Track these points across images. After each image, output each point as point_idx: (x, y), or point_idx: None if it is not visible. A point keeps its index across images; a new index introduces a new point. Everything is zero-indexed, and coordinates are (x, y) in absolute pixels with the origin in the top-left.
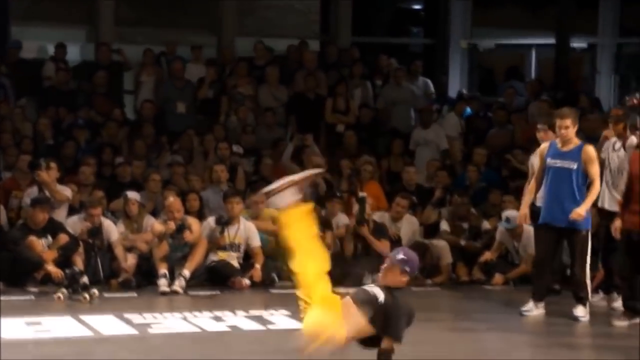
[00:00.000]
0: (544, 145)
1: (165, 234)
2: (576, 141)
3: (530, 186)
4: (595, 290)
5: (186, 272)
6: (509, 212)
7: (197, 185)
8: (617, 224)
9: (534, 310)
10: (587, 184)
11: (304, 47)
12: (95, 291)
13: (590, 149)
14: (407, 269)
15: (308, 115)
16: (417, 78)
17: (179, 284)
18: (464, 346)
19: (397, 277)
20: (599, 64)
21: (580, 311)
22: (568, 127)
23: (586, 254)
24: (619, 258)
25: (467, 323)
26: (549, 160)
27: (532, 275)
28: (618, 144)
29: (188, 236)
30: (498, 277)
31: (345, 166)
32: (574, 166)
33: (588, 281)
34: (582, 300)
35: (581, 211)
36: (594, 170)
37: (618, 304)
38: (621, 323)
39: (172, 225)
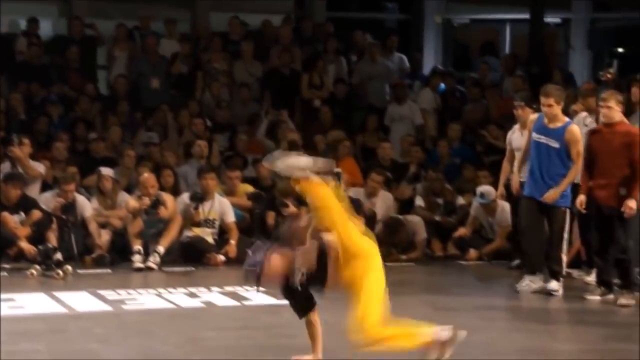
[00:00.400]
0: (532, 117)
1: (139, 210)
2: (562, 119)
3: (517, 159)
4: (571, 265)
5: (160, 248)
6: (483, 188)
7: (172, 160)
8: (582, 198)
9: (531, 285)
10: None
11: (287, 22)
12: (68, 267)
13: (574, 130)
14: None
15: (283, 90)
16: (393, 54)
17: (153, 260)
18: (439, 322)
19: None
20: (573, 39)
21: (554, 285)
22: (551, 105)
23: (563, 231)
24: (592, 233)
25: (442, 298)
26: (534, 135)
27: (522, 248)
28: (589, 119)
29: (163, 212)
30: (472, 253)
31: (320, 142)
32: (557, 145)
33: (563, 257)
34: (556, 275)
35: (555, 194)
36: (576, 151)
37: (591, 278)
38: (594, 297)
39: (146, 201)
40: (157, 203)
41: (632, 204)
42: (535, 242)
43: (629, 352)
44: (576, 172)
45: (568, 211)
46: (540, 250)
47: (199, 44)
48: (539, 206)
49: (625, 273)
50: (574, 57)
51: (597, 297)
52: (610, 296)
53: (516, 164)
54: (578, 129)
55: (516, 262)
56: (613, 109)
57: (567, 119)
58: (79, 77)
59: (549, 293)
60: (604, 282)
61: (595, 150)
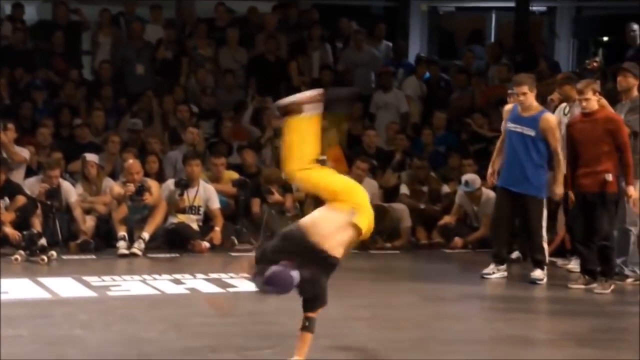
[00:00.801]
0: (507, 108)
1: (124, 196)
2: (536, 107)
3: (497, 147)
4: (555, 254)
5: (145, 235)
6: (468, 176)
7: (156, 147)
8: (571, 196)
9: (496, 272)
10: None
11: (277, 9)
12: (53, 253)
13: (549, 117)
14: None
15: (268, 77)
16: (381, 42)
17: (138, 247)
18: (423, 309)
19: None
20: (558, 28)
21: (539, 274)
22: (525, 93)
23: (541, 219)
24: (576, 222)
25: (426, 286)
26: (509, 124)
27: (491, 238)
28: (567, 108)
29: (148, 198)
30: (457, 241)
31: None
32: (532, 133)
33: (545, 245)
34: (539, 263)
35: (560, 189)
36: (554, 139)
37: (572, 266)
38: (578, 286)
39: (131, 188)
40: (142, 189)
41: (630, 190)
42: (504, 237)
43: (611, 340)
44: (561, 161)
45: (545, 201)
46: (507, 241)
47: (184, 30)
48: (513, 197)
49: (606, 260)
50: (560, 45)
51: (581, 286)
52: (594, 285)
53: (494, 154)
54: (553, 116)
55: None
56: (591, 100)
57: (541, 107)
58: (64, 63)
59: (533, 282)
60: (587, 271)
61: (578, 141)
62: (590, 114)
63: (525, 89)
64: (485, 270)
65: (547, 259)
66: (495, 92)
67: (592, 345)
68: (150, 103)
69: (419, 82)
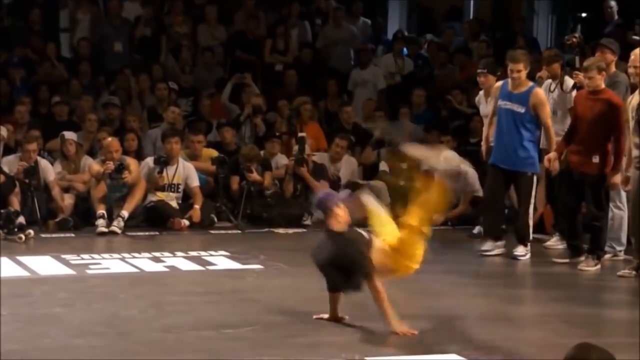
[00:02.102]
0: (497, 85)
1: (103, 174)
2: (527, 84)
3: (487, 123)
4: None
5: (124, 213)
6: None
7: (135, 125)
8: (555, 161)
9: (494, 249)
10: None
11: None
12: (30, 231)
13: (539, 92)
14: (322, 210)
15: (247, 55)
16: (358, 19)
17: (117, 225)
18: (403, 286)
19: (333, 222)
20: (537, 4)
21: (521, 250)
22: (520, 70)
23: (530, 196)
24: (560, 199)
25: None
26: (499, 102)
27: (483, 215)
28: (553, 85)
29: (127, 176)
30: (436, 217)
31: (284, 106)
32: (522, 110)
33: (531, 222)
34: (523, 240)
35: (555, 161)
36: (544, 114)
37: (551, 242)
38: (562, 261)
39: (110, 166)
40: (121, 167)
41: (615, 179)
42: (496, 213)
43: (593, 316)
44: (553, 133)
45: (535, 177)
46: (500, 218)
47: (162, 8)
48: (504, 174)
49: (595, 239)
50: (538, 22)
51: (565, 261)
52: (581, 259)
53: (484, 131)
54: (542, 91)
55: (477, 229)
56: (595, 78)
57: (531, 83)
58: (41, 40)
59: (515, 258)
60: (571, 246)
61: (578, 116)
62: (595, 92)
63: (520, 66)
64: (484, 248)
65: (531, 235)
66: (475, 68)
67: (572, 320)
68: (127, 81)
69: (396, 59)
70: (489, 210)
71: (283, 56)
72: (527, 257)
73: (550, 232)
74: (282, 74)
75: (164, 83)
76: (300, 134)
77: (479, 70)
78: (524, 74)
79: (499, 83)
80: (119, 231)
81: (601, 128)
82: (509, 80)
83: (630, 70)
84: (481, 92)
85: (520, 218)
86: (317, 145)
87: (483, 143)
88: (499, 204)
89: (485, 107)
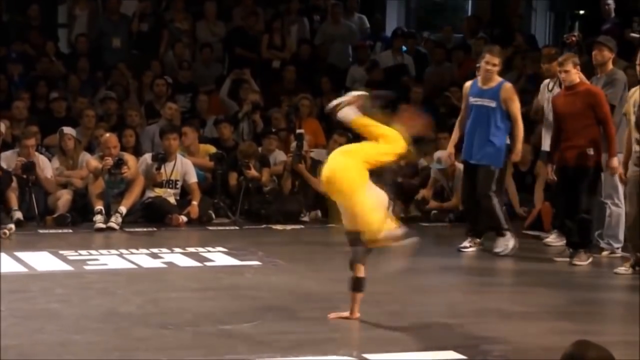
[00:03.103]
0: (467, 84)
1: (101, 170)
2: (497, 79)
3: (456, 125)
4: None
5: (122, 209)
6: (440, 153)
7: (135, 120)
8: (549, 168)
9: (472, 246)
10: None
11: None
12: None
13: (509, 87)
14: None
15: (246, 51)
16: (354, 14)
17: (115, 221)
18: (399, 283)
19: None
20: (535, 2)
21: (500, 244)
22: (496, 65)
23: (487, 187)
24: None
25: None
26: (471, 99)
27: (464, 212)
28: (552, 84)
29: (126, 172)
30: (432, 203)
31: (283, 103)
32: (493, 104)
33: (499, 213)
34: (497, 230)
35: (518, 153)
36: (514, 108)
37: (550, 239)
38: (563, 259)
39: (109, 161)
40: (119, 163)
41: (614, 162)
42: (473, 206)
43: (587, 313)
44: (521, 129)
45: (498, 171)
46: (478, 215)
47: (160, 3)
48: (472, 168)
49: (585, 233)
50: (536, 19)
51: (566, 259)
52: (574, 258)
53: (454, 130)
54: (512, 85)
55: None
56: (571, 72)
57: (500, 79)
58: (40, 36)
59: (497, 254)
60: (572, 244)
61: (560, 115)
62: (571, 87)
63: (497, 61)
64: (462, 245)
65: (505, 225)
66: (473, 65)
67: (568, 317)
68: (123, 76)
69: (394, 56)
70: (467, 208)
71: (281, 52)
72: (510, 249)
73: (548, 230)
74: (281, 70)
75: (162, 79)
76: (298, 131)
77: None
78: (497, 69)
79: (469, 82)
80: (116, 227)
81: (588, 120)
82: (480, 75)
83: (639, 69)
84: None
85: (484, 210)
86: (315, 141)
87: (450, 141)
88: (473, 201)
89: None
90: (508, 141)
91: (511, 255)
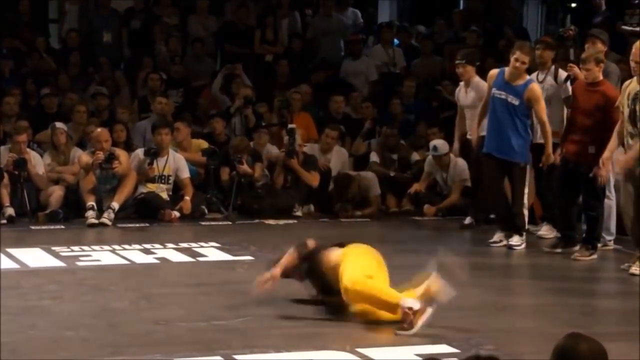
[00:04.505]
0: (492, 73)
1: (92, 165)
2: (524, 77)
3: (479, 112)
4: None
5: (115, 204)
6: (436, 141)
7: (124, 116)
8: (555, 155)
9: (503, 240)
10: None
11: None
12: None
13: (535, 88)
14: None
15: (237, 45)
16: (347, 8)
17: (107, 216)
18: (393, 277)
19: None
20: None
21: (516, 240)
22: (525, 63)
23: (524, 187)
24: (555, 188)
25: (398, 254)
26: (494, 90)
27: (489, 205)
28: (541, 76)
29: (117, 166)
30: (428, 208)
31: (276, 98)
32: (517, 102)
33: (525, 212)
34: (518, 229)
35: (549, 157)
36: (540, 110)
37: (543, 232)
38: (555, 251)
39: (100, 156)
40: (111, 157)
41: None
42: (500, 199)
43: (586, 306)
44: (549, 130)
45: (527, 167)
46: (505, 206)
47: None
48: (498, 163)
49: (591, 230)
50: (528, 12)
51: (558, 251)
52: (575, 249)
53: (476, 119)
54: (539, 87)
55: (468, 219)
56: (592, 70)
57: (528, 77)
58: (30, 31)
59: (510, 247)
60: (566, 236)
61: (575, 107)
62: (593, 84)
63: (527, 59)
64: (492, 239)
65: (526, 225)
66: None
67: (562, 310)
68: (110, 72)
69: (386, 50)
70: (493, 200)
71: (273, 46)
72: (523, 247)
73: (539, 222)
74: (273, 64)
75: (157, 74)
76: (290, 126)
77: (457, 62)
78: (525, 67)
79: (495, 71)
80: (109, 223)
81: (598, 119)
82: (507, 69)
83: (632, 64)
84: (461, 84)
85: (515, 208)
86: (307, 135)
87: (473, 131)
88: (502, 192)
89: (465, 98)
90: None
91: (505, 248)
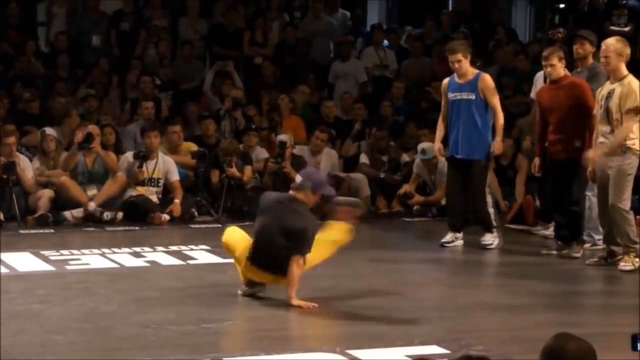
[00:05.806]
0: (445, 81)
1: (74, 146)
2: (472, 71)
3: (438, 125)
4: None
5: (92, 205)
6: (424, 144)
7: (109, 122)
8: (536, 161)
9: (454, 241)
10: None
11: None
12: None
13: (486, 78)
14: (310, 186)
15: (227, 48)
16: (337, 10)
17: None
18: (383, 278)
19: (310, 198)
20: None
21: (488, 238)
22: (460, 60)
23: (483, 183)
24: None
25: (387, 254)
26: (450, 95)
27: (446, 207)
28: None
29: (96, 146)
30: (417, 197)
31: (264, 101)
32: (472, 96)
33: (490, 209)
34: (487, 228)
35: (498, 145)
36: (493, 99)
37: (549, 232)
38: (550, 252)
39: (79, 135)
40: (89, 137)
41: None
42: (457, 205)
43: (575, 305)
44: (501, 120)
45: (488, 164)
46: (461, 208)
47: (139, 1)
48: (459, 163)
49: (575, 225)
50: (517, 13)
51: (553, 252)
52: (566, 251)
53: (438, 127)
54: (489, 76)
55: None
56: (556, 66)
57: (476, 71)
58: (19, 34)
59: (484, 247)
60: (560, 237)
61: (546, 109)
62: (556, 81)
63: (459, 56)
64: (444, 239)
65: (495, 222)
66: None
67: (552, 310)
68: (101, 74)
69: (376, 51)
70: (451, 203)
71: (262, 49)
72: (497, 245)
73: (531, 223)
74: (262, 66)
75: (149, 77)
76: (280, 138)
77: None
78: (465, 63)
79: (446, 80)
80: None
81: (576, 112)
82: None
83: (602, 60)
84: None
85: (478, 207)
86: (296, 137)
87: (436, 142)
88: (458, 196)
89: None
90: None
91: (495, 248)
